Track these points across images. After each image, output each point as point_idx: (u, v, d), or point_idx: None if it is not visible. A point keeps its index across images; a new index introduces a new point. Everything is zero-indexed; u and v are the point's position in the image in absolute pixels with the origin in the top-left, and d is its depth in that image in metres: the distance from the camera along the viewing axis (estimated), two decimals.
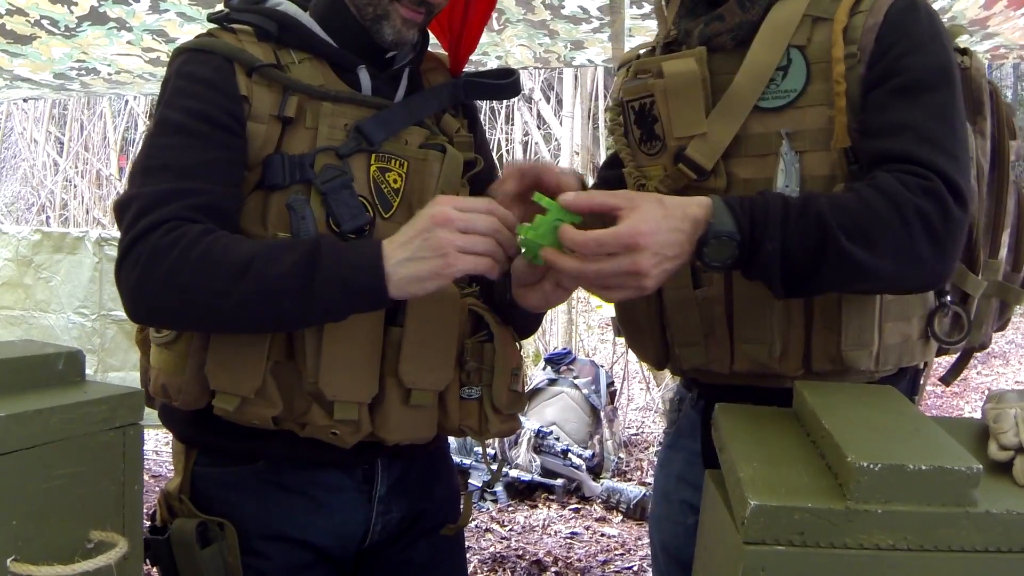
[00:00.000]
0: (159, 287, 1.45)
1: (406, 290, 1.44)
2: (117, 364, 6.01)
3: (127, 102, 11.24)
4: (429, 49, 1.85)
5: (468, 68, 1.94)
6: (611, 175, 1.94)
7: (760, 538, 1.08)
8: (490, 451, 5.40)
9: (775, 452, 1.25)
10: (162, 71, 4.62)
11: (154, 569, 1.69)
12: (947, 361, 1.99)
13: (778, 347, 1.67)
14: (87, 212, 11.35)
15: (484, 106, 10.80)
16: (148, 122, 11.70)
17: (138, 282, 1.46)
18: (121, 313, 6.11)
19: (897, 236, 1.44)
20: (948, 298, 1.73)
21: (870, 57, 1.58)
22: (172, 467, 1.77)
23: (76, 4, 3.85)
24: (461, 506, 1.95)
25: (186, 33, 4.13)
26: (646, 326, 1.87)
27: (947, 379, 1.98)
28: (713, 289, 1.72)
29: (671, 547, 1.96)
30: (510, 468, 5.77)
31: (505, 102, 11.94)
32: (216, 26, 1.70)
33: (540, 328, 2.05)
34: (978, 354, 1.85)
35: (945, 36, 1.60)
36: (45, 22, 4.02)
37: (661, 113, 1.72)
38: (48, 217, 11.61)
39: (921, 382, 1.83)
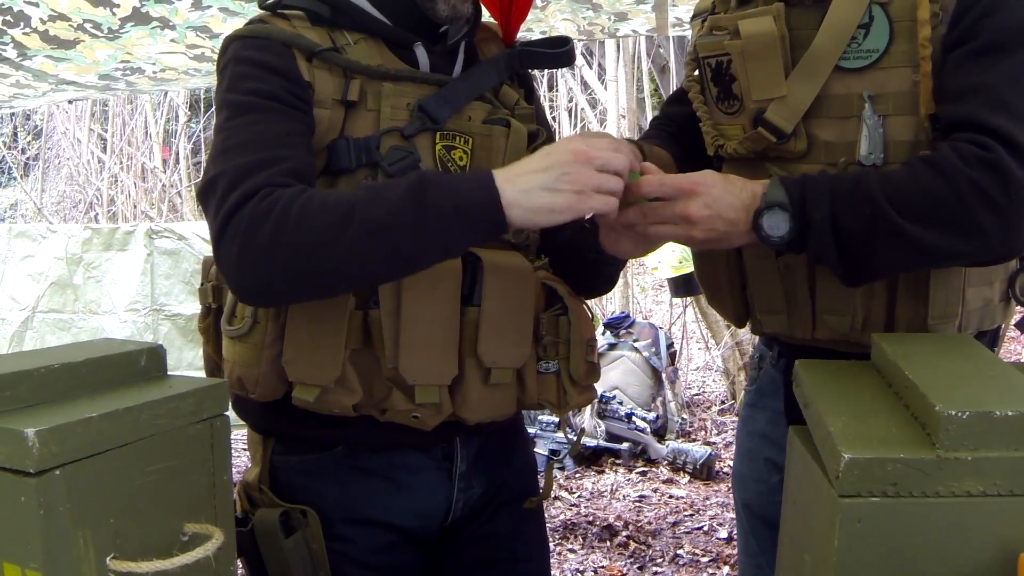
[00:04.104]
0: (264, 253, 1.40)
1: (533, 219, 1.43)
2: (172, 363, 6.00)
3: (166, 93, 11.27)
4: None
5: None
6: (677, 111, 1.93)
7: (855, 491, 1.08)
8: (554, 419, 5.41)
9: (860, 404, 1.25)
10: (207, 66, 4.69)
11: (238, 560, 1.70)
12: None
13: (860, 318, 1.65)
14: (134, 207, 11.42)
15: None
16: (189, 112, 11.80)
17: (240, 254, 1.41)
18: (174, 309, 6.24)
19: (953, 211, 1.43)
20: None
21: (952, 17, 1.52)
22: (243, 457, 1.79)
23: (118, 6, 3.86)
24: (540, 477, 1.96)
25: (230, 28, 4.11)
26: (726, 286, 1.87)
27: (1023, 326, 1.94)
28: (795, 257, 1.69)
29: (754, 505, 1.97)
30: (576, 434, 5.78)
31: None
32: (267, 12, 1.68)
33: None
34: None
35: None
36: (88, 25, 4.04)
37: (739, 74, 1.69)
38: (96, 215, 11.71)
39: (1001, 334, 1.80)
